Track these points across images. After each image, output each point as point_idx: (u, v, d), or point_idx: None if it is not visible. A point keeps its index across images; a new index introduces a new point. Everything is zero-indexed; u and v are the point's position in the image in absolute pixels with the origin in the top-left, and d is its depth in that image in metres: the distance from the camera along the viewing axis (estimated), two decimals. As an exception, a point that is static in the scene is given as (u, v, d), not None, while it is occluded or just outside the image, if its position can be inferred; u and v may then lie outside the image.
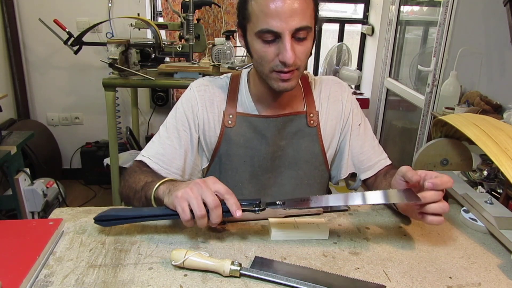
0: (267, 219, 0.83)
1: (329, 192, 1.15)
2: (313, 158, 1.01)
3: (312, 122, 0.99)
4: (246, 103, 0.99)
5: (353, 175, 1.07)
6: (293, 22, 0.80)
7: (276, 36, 0.82)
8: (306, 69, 0.96)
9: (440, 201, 0.72)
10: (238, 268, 0.65)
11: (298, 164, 1.00)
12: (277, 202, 0.73)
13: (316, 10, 0.87)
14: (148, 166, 0.94)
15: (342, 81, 1.08)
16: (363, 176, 1.03)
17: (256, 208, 0.73)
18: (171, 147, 0.96)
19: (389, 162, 1.04)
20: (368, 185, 1.04)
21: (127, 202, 0.90)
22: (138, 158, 0.97)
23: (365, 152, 1.03)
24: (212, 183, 0.71)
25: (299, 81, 1.02)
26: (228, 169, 1.00)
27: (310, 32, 0.85)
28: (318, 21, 0.89)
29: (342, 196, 0.74)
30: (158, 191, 0.77)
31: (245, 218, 0.84)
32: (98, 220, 0.76)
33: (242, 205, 0.71)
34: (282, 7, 0.79)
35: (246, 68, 1.04)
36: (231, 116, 0.97)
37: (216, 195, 0.70)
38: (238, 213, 0.70)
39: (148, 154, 0.96)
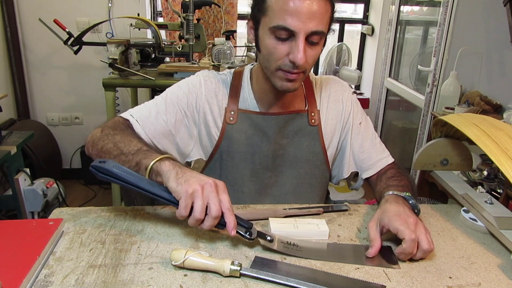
0: (267, 219, 0.83)
1: (328, 192, 1.15)
2: (314, 157, 1.01)
3: (313, 121, 0.99)
4: (248, 100, 0.98)
5: (355, 175, 1.07)
6: (311, 24, 0.80)
7: (290, 35, 0.82)
8: (308, 71, 0.95)
9: (420, 247, 0.72)
10: (238, 268, 0.65)
11: (299, 163, 1.00)
12: (267, 238, 0.73)
13: (332, 18, 0.86)
14: (131, 127, 0.91)
15: (343, 81, 1.08)
16: (364, 175, 1.04)
17: (247, 234, 0.72)
18: (163, 121, 0.94)
19: (391, 160, 1.04)
20: (370, 183, 1.04)
21: (102, 156, 0.84)
22: (125, 115, 0.93)
23: (366, 151, 1.03)
24: (222, 191, 0.71)
25: None
26: (229, 166, 1.00)
27: (323, 38, 0.85)
28: (330, 28, 0.88)
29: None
30: (162, 166, 0.73)
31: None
32: (95, 168, 0.73)
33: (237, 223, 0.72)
34: (302, 7, 0.79)
35: (249, 64, 1.04)
36: (232, 112, 0.97)
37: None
38: (233, 232, 0.70)
39: (137, 116, 0.93)
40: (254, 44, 0.92)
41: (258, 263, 0.69)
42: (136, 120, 0.93)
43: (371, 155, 1.03)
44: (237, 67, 1.07)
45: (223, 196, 0.71)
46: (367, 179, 1.04)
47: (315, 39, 0.83)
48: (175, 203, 0.70)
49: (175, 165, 0.74)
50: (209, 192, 0.69)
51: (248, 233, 0.72)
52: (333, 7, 0.85)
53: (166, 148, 0.96)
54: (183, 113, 0.96)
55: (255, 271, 0.66)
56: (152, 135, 0.92)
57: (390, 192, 0.85)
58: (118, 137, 0.84)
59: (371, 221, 0.78)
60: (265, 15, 0.84)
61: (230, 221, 0.69)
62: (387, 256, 0.74)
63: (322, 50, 0.89)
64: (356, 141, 1.04)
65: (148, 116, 0.94)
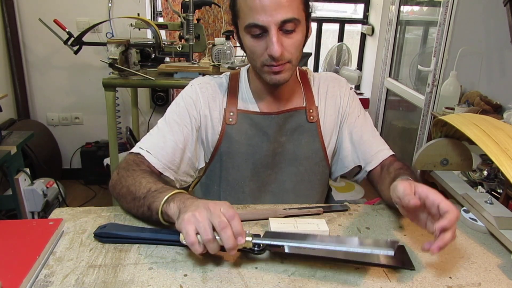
0: (267, 218, 0.83)
1: (329, 189, 1.14)
2: (313, 154, 1.01)
3: (311, 117, 0.99)
4: (247, 100, 0.98)
5: (355, 174, 1.06)
6: (278, 15, 0.80)
7: (264, 30, 0.83)
8: (306, 64, 0.96)
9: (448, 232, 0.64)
10: (250, 238, 0.66)
11: (298, 160, 1.00)
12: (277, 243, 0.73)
13: (305, 1, 0.86)
14: (144, 160, 0.91)
15: (340, 77, 1.08)
16: (368, 168, 1.01)
17: (256, 248, 0.71)
18: (172, 141, 0.93)
19: (391, 152, 1.01)
20: (373, 177, 1.00)
21: (121, 201, 0.85)
22: (135, 150, 0.92)
23: (366, 142, 1.02)
24: (220, 205, 0.68)
25: (298, 77, 1.02)
26: (229, 167, 0.99)
27: (299, 25, 0.85)
28: (311, 12, 0.88)
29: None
30: (168, 209, 0.72)
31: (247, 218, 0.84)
32: (98, 235, 0.74)
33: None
34: (266, 1, 0.80)
35: (245, 66, 1.04)
36: (232, 113, 0.97)
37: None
38: (241, 240, 0.66)
39: (146, 147, 0.92)
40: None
41: (269, 235, 0.70)
42: (147, 151, 0.91)
43: (371, 146, 1.01)
44: (237, 67, 1.07)
45: (224, 209, 0.67)
46: (370, 174, 1.02)
47: (289, 26, 0.83)
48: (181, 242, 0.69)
49: (180, 203, 0.72)
50: (206, 212, 0.66)
51: (256, 246, 0.71)
52: None
53: (180, 165, 0.95)
54: (189, 128, 0.96)
55: (267, 239, 0.67)
56: (166, 160, 0.92)
57: (406, 177, 0.80)
58: (130, 180, 0.83)
59: (402, 182, 0.71)
60: (238, 17, 0.86)
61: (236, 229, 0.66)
62: (402, 256, 0.72)
63: (305, 37, 0.89)
64: (355, 134, 1.02)
65: (157, 143, 0.93)
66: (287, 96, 0.98)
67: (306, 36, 0.90)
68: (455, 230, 0.65)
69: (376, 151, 1.01)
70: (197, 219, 0.65)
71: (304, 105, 1.00)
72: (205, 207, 0.67)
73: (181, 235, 0.66)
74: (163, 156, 0.92)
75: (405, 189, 0.69)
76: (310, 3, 0.88)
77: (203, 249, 0.65)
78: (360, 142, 1.02)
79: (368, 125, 1.05)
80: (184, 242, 0.66)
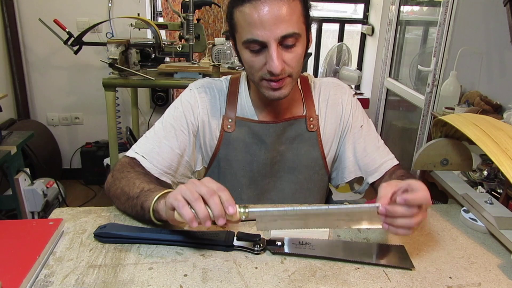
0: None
1: (329, 193, 1.14)
2: (312, 163, 0.99)
3: (312, 126, 0.97)
4: (246, 107, 0.97)
5: (358, 179, 1.05)
6: (278, 30, 0.78)
7: (263, 45, 0.80)
8: (306, 70, 0.94)
9: (409, 216, 0.66)
10: (242, 210, 0.66)
11: (297, 169, 0.99)
12: (277, 243, 0.73)
13: (305, 13, 0.84)
14: (140, 164, 0.90)
15: (343, 83, 1.05)
16: (370, 180, 0.99)
17: (256, 248, 0.71)
18: (168, 147, 0.92)
19: (396, 162, 1.00)
20: (375, 187, 0.99)
21: (116, 202, 0.85)
22: (130, 154, 0.92)
23: (369, 154, 0.99)
24: (206, 181, 0.68)
25: (299, 84, 1.00)
26: (227, 174, 0.99)
27: (300, 38, 0.82)
28: (311, 23, 0.86)
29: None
30: (159, 205, 0.73)
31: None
32: (98, 235, 0.74)
33: (242, 239, 0.72)
34: (266, 16, 0.77)
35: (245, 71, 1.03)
36: (230, 120, 0.96)
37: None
38: (230, 209, 0.65)
39: (142, 152, 0.92)
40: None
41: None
42: (142, 156, 0.91)
43: (375, 158, 0.99)
44: (237, 67, 1.06)
45: (210, 184, 0.67)
46: (372, 184, 1.00)
47: (290, 41, 0.81)
48: (181, 241, 0.71)
49: None
50: (192, 185, 0.66)
51: (256, 246, 0.72)
52: (303, 2, 0.82)
53: (177, 169, 0.95)
54: (185, 133, 0.95)
55: (260, 208, 0.68)
56: (162, 165, 0.91)
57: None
58: (124, 181, 0.84)
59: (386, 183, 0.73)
60: (236, 31, 0.84)
61: (224, 200, 0.65)
62: (401, 256, 0.73)
63: (306, 48, 0.87)
64: (358, 145, 1.00)
65: (152, 148, 0.92)
66: (286, 104, 0.96)
67: (307, 47, 0.88)
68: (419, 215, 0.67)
69: (379, 163, 0.99)
70: (182, 189, 0.66)
71: (304, 113, 0.98)
72: (188, 182, 0.68)
73: (175, 213, 0.66)
74: (159, 161, 0.91)
75: (382, 189, 0.70)
76: (311, 14, 0.86)
77: (194, 215, 0.64)
78: (364, 155, 1.00)
79: (372, 135, 1.02)
80: (178, 218, 0.66)
